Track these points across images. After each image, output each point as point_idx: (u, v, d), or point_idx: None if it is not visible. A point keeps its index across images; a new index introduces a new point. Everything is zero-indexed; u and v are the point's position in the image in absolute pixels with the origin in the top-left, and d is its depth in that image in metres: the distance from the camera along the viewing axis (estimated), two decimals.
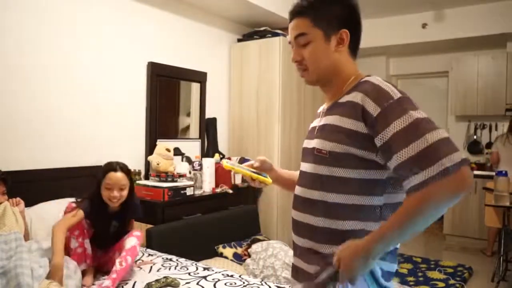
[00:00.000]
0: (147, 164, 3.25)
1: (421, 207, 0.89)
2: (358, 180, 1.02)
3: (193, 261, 2.43)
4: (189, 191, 3.10)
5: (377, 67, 5.69)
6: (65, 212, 2.07)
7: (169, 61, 3.49)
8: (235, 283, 2.06)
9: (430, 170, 0.88)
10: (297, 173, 1.26)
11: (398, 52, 5.60)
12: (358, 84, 1.06)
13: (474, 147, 5.25)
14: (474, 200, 4.77)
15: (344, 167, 1.03)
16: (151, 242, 2.70)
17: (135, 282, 2.01)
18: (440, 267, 3.87)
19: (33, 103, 2.60)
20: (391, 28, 5.09)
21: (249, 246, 3.15)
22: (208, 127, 3.91)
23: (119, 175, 2.13)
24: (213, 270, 2.24)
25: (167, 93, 3.56)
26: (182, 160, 3.52)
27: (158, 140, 3.37)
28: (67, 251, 2.01)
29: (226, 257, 3.05)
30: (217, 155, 3.73)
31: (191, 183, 3.18)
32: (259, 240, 3.25)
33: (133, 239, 2.13)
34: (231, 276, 2.16)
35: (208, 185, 3.37)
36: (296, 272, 1.16)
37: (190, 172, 3.37)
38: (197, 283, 2.04)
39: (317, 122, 1.18)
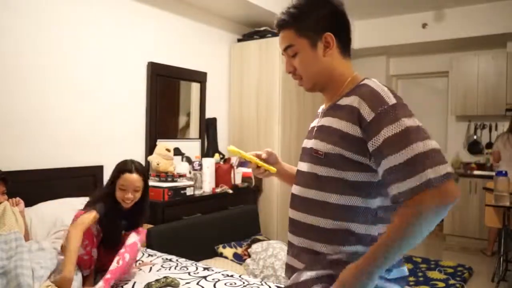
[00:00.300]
0: (147, 164, 3.25)
1: (411, 222, 0.90)
2: (353, 182, 1.03)
3: (193, 261, 2.43)
4: (189, 191, 3.10)
5: (377, 67, 5.69)
6: (73, 221, 2.00)
7: (169, 61, 3.49)
8: (235, 283, 2.06)
9: (413, 180, 0.90)
10: None
11: (398, 52, 5.60)
12: (357, 87, 1.06)
13: (474, 147, 5.25)
14: (474, 200, 4.77)
15: (339, 168, 1.04)
16: (151, 242, 2.69)
17: (134, 283, 2.01)
18: (440, 267, 3.87)
19: (33, 103, 2.59)
20: (391, 28, 5.09)
21: (249, 246, 3.15)
22: (208, 127, 3.91)
23: (134, 176, 2.06)
24: (213, 270, 2.24)
25: (167, 93, 3.56)
26: (182, 160, 3.52)
27: (158, 140, 3.37)
28: None
29: (226, 257, 3.05)
30: (217, 155, 3.73)
31: (191, 183, 3.18)
32: (259, 240, 3.25)
33: (134, 236, 2.10)
34: (231, 276, 2.16)
35: (208, 185, 3.37)
36: (290, 271, 1.17)
37: (190, 172, 3.37)
38: (197, 283, 2.04)
39: (316, 122, 1.19)
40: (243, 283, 2.06)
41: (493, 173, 3.80)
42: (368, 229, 1.04)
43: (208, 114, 3.92)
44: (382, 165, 0.95)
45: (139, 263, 2.33)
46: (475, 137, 5.27)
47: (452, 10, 4.71)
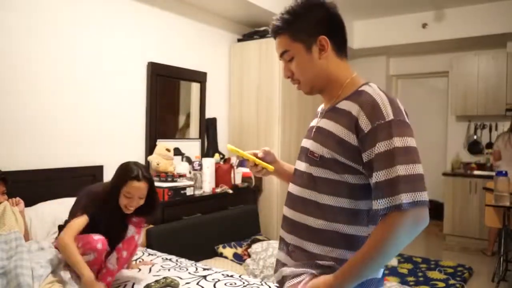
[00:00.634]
0: (147, 164, 3.25)
1: (381, 239, 0.95)
2: (346, 185, 1.05)
3: (193, 261, 2.43)
4: (189, 191, 3.10)
5: (377, 67, 5.69)
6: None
7: (169, 61, 3.49)
8: (235, 283, 2.06)
9: (388, 201, 0.94)
10: None
11: (398, 52, 5.60)
12: (357, 93, 1.06)
13: (474, 147, 5.25)
14: (474, 200, 4.77)
15: (333, 171, 1.06)
16: (151, 242, 2.69)
17: (133, 284, 2.01)
18: (440, 267, 3.87)
19: (33, 103, 2.59)
20: (391, 28, 5.09)
21: (249, 246, 3.15)
22: (208, 127, 3.91)
23: (142, 185, 1.96)
24: (213, 270, 2.24)
25: (167, 93, 3.56)
26: (182, 160, 3.52)
27: (158, 140, 3.37)
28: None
29: (226, 257, 3.05)
30: (217, 155, 3.73)
31: (191, 183, 3.18)
32: (259, 240, 3.25)
33: (131, 229, 2.03)
34: (231, 276, 2.16)
35: (208, 185, 3.37)
36: (278, 266, 1.18)
37: (190, 172, 3.37)
38: (197, 283, 2.04)
39: (315, 122, 1.19)
40: (243, 283, 2.06)
41: (493, 173, 3.80)
42: (357, 231, 1.05)
43: (208, 114, 3.92)
44: (372, 177, 0.99)
45: (139, 261, 2.33)
46: (475, 137, 5.27)
47: (452, 10, 4.71)
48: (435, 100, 5.79)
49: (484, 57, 4.96)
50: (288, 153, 3.90)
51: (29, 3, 2.55)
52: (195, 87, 3.78)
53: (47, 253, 1.96)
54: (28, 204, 2.30)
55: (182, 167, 3.35)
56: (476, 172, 4.88)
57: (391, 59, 5.84)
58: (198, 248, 2.98)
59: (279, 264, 1.18)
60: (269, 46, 3.88)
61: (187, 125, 3.77)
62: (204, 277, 2.13)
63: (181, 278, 2.08)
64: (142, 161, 3.29)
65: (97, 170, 2.89)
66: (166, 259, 2.42)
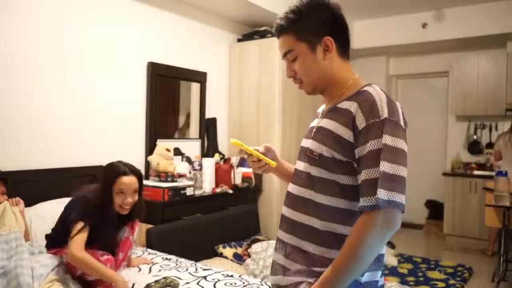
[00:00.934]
0: (147, 164, 3.25)
1: (360, 235, 0.95)
2: (343, 185, 1.06)
3: (193, 261, 2.43)
4: (189, 191, 3.10)
5: (377, 67, 5.69)
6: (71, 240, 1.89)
7: (169, 61, 3.49)
8: (235, 283, 2.06)
9: (367, 199, 0.95)
10: None
11: (398, 52, 5.60)
12: (358, 93, 1.07)
13: (474, 147, 5.24)
14: (474, 200, 4.77)
15: (331, 171, 1.06)
16: (151, 242, 2.70)
17: (134, 284, 2.00)
18: (440, 267, 3.87)
19: (33, 103, 2.59)
20: (391, 28, 5.09)
21: (249, 246, 3.15)
22: (208, 127, 3.91)
23: (132, 178, 1.97)
24: (213, 270, 2.24)
25: (167, 93, 3.56)
26: (182, 160, 3.52)
27: (158, 140, 3.37)
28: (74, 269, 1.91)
29: (226, 257, 3.05)
30: (217, 155, 3.73)
31: (191, 183, 3.18)
32: (259, 240, 3.25)
33: (125, 230, 2.02)
34: (231, 276, 2.16)
35: (208, 185, 3.37)
36: (275, 268, 1.18)
37: (190, 172, 3.37)
38: (197, 283, 2.04)
39: (315, 123, 1.20)
40: (243, 283, 2.06)
41: (493, 173, 3.80)
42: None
43: (208, 114, 3.92)
44: (360, 174, 1.00)
45: (140, 258, 2.30)
46: (475, 137, 5.26)
47: (452, 10, 4.71)
48: (435, 100, 5.78)
49: (484, 57, 4.96)
50: (288, 153, 3.90)
51: (28, 3, 2.55)
52: (195, 87, 3.78)
53: (48, 254, 1.97)
54: (28, 204, 2.30)
55: (182, 167, 3.35)
56: (476, 172, 4.88)
57: (391, 59, 5.84)
58: (198, 248, 2.98)
59: (276, 266, 1.18)
60: (269, 46, 3.88)
61: (187, 125, 3.77)
62: (204, 277, 2.13)
63: (181, 279, 2.08)
64: (142, 161, 3.29)
65: (97, 170, 2.88)
66: (166, 259, 2.42)
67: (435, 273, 3.72)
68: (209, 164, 3.41)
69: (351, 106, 1.05)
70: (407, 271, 3.74)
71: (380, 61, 5.71)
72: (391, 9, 4.86)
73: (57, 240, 2.01)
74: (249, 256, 3.05)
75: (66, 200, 2.51)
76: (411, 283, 3.44)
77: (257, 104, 3.98)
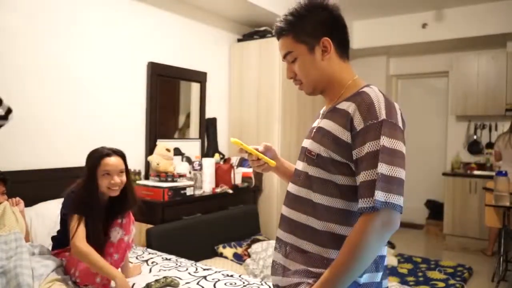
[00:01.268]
0: (147, 164, 3.25)
1: (358, 237, 0.96)
2: (340, 185, 1.06)
3: (193, 261, 2.43)
4: (189, 191, 3.09)
5: (377, 67, 5.69)
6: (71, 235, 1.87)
7: (169, 61, 3.49)
8: (235, 283, 2.06)
9: (365, 201, 0.96)
10: None
11: (398, 52, 5.60)
12: (357, 94, 1.08)
13: (474, 147, 5.24)
14: (474, 200, 4.77)
15: (328, 171, 1.07)
16: (151, 242, 2.70)
17: (134, 284, 2.01)
18: (440, 267, 3.87)
19: (33, 103, 2.59)
20: (391, 28, 5.09)
21: (249, 246, 3.15)
22: (208, 127, 3.91)
23: (115, 159, 1.93)
24: (213, 270, 2.24)
25: (167, 93, 3.56)
26: (182, 160, 3.52)
27: (158, 140, 3.37)
28: (74, 265, 1.90)
29: (226, 257, 3.05)
30: (217, 155, 3.73)
31: (191, 183, 3.18)
32: (259, 240, 3.25)
33: (119, 231, 1.94)
34: (231, 276, 2.16)
35: (208, 185, 3.37)
36: (275, 267, 1.19)
37: (190, 172, 3.37)
38: (197, 283, 2.04)
39: (316, 123, 1.21)
40: (243, 283, 2.06)
41: (493, 173, 3.80)
42: (350, 232, 1.05)
43: (208, 114, 3.92)
44: (358, 175, 1.00)
45: (134, 268, 2.21)
46: (475, 137, 5.26)
47: (452, 10, 4.71)
48: (435, 100, 5.78)
49: (484, 57, 4.96)
50: (288, 153, 3.90)
51: (29, 4, 2.55)
52: (195, 87, 3.78)
53: (48, 253, 1.97)
54: (28, 204, 2.30)
55: (182, 167, 3.35)
56: (476, 172, 4.88)
57: (391, 59, 5.84)
58: (198, 248, 2.98)
59: (276, 266, 1.18)
60: (269, 46, 3.88)
61: (187, 125, 3.77)
62: (204, 277, 2.13)
63: (181, 278, 2.08)
64: (142, 161, 3.29)
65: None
66: (166, 259, 2.43)
67: (435, 273, 3.72)
68: (209, 164, 3.41)
69: (349, 107, 1.06)
70: (407, 271, 3.74)
71: (380, 61, 5.71)
72: (391, 9, 4.86)
73: (61, 241, 2.01)
74: (249, 256, 3.05)
75: None
76: (411, 283, 3.44)
77: (257, 104, 3.98)
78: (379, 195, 0.94)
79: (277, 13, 3.84)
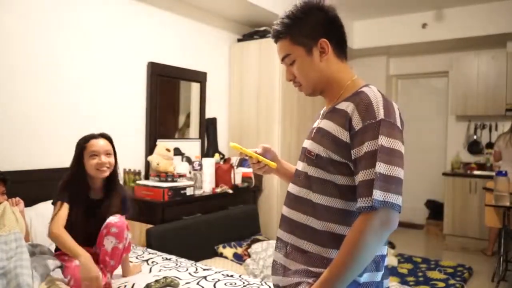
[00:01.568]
0: (147, 164, 3.25)
1: (357, 236, 0.96)
2: (339, 185, 1.07)
3: (193, 261, 2.43)
4: (189, 191, 3.09)
5: (377, 67, 5.69)
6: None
7: (169, 61, 3.49)
8: (235, 283, 2.06)
9: (364, 200, 0.96)
10: None
11: (398, 52, 5.60)
12: (356, 94, 1.08)
13: (474, 147, 5.24)
14: (474, 200, 4.77)
15: (327, 171, 1.08)
16: (151, 242, 2.69)
17: (133, 284, 2.00)
18: (440, 267, 3.87)
19: (32, 103, 2.60)
20: (391, 28, 5.09)
21: (249, 246, 3.15)
22: (208, 127, 3.91)
23: (102, 141, 1.97)
24: (213, 270, 2.24)
25: (167, 93, 3.56)
26: (182, 160, 3.52)
27: (158, 140, 3.36)
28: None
29: (226, 257, 3.05)
30: (217, 155, 3.73)
31: (191, 183, 3.18)
32: (259, 240, 3.25)
33: (112, 240, 1.89)
34: (231, 276, 2.16)
35: (208, 185, 3.37)
36: (276, 267, 1.19)
37: (190, 172, 3.37)
38: (197, 283, 2.04)
39: (316, 124, 1.21)
40: (243, 283, 2.06)
41: (493, 173, 3.80)
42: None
43: (208, 114, 3.92)
44: (357, 175, 1.01)
45: (134, 268, 2.20)
46: (475, 137, 5.26)
47: (452, 10, 4.71)
48: (435, 100, 5.78)
49: (484, 57, 4.96)
50: (288, 153, 3.90)
51: (28, 4, 2.55)
52: (195, 87, 3.78)
53: (49, 253, 1.97)
54: (28, 204, 2.30)
55: (182, 167, 3.35)
56: (476, 172, 4.88)
57: (391, 59, 5.84)
58: (198, 248, 2.98)
59: (277, 265, 1.19)
60: (269, 46, 3.88)
61: (187, 125, 3.77)
62: (204, 277, 2.13)
63: (181, 279, 2.08)
64: (142, 161, 3.29)
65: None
66: (166, 259, 2.42)
67: (435, 273, 3.72)
68: (209, 164, 3.41)
69: (348, 107, 1.06)
70: (407, 271, 3.75)
71: (380, 61, 5.71)
72: (391, 9, 4.86)
73: None
74: (249, 256, 3.05)
75: None
76: (411, 283, 3.44)
77: (257, 104, 3.98)
78: (378, 195, 0.94)
79: (277, 13, 3.83)
